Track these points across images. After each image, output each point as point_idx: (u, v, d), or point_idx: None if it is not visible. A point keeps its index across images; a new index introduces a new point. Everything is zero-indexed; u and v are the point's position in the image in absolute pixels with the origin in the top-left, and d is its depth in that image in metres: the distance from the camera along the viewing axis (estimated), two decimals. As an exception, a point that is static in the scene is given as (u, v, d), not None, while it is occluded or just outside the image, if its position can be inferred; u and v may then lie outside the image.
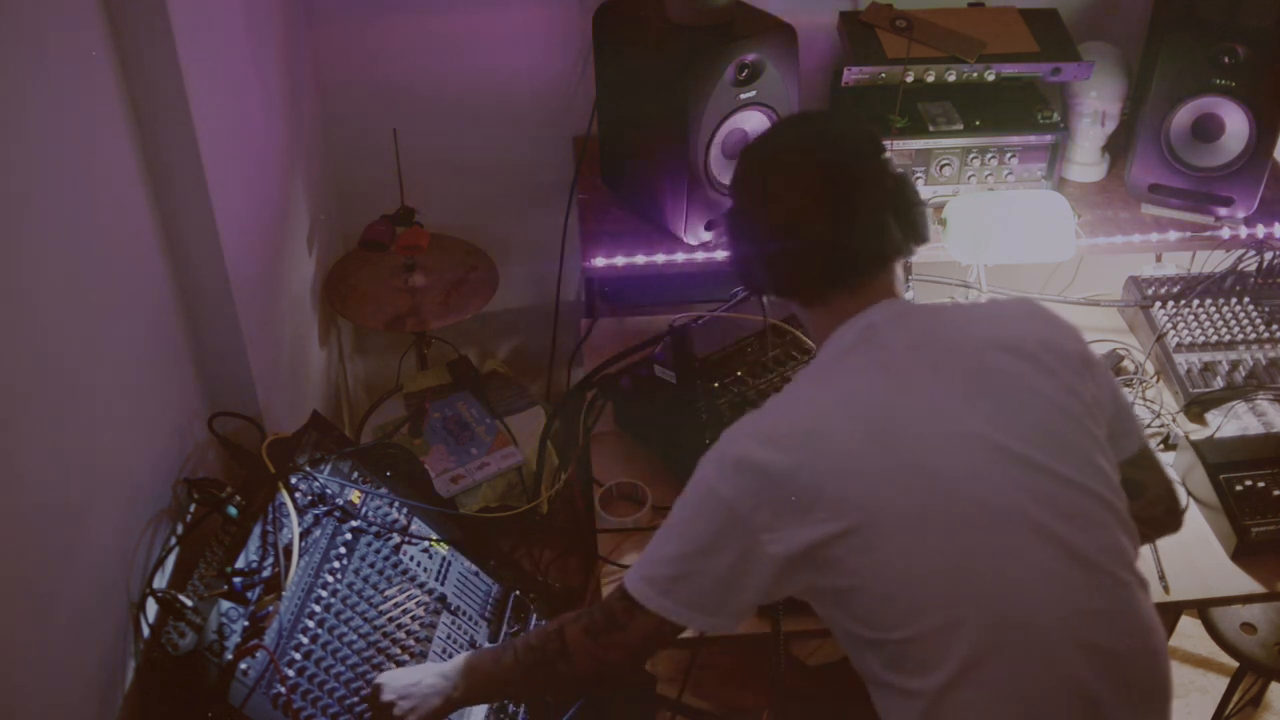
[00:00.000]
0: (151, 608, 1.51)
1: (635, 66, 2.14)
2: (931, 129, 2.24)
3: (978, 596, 1.26)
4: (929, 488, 1.28)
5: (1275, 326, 2.27)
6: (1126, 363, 2.28)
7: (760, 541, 1.29)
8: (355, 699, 1.55)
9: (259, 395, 1.85)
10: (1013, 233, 2.17)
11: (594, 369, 2.06)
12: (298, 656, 1.53)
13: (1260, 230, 2.27)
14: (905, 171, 1.44)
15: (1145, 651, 1.31)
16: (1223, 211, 2.26)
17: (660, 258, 2.20)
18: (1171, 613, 2.44)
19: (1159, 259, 2.54)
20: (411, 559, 1.75)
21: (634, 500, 2.02)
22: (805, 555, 1.28)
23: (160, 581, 1.57)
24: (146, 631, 1.50)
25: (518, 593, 1.86)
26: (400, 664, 1.62)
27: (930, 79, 2.18)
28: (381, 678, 1.52)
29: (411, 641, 1.66)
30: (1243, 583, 1.87)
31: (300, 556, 1.60)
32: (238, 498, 1.64)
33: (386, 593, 1.68)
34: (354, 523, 1.71)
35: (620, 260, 2.20)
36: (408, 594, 1.71)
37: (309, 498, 1.68)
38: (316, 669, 1.54)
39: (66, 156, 1.36)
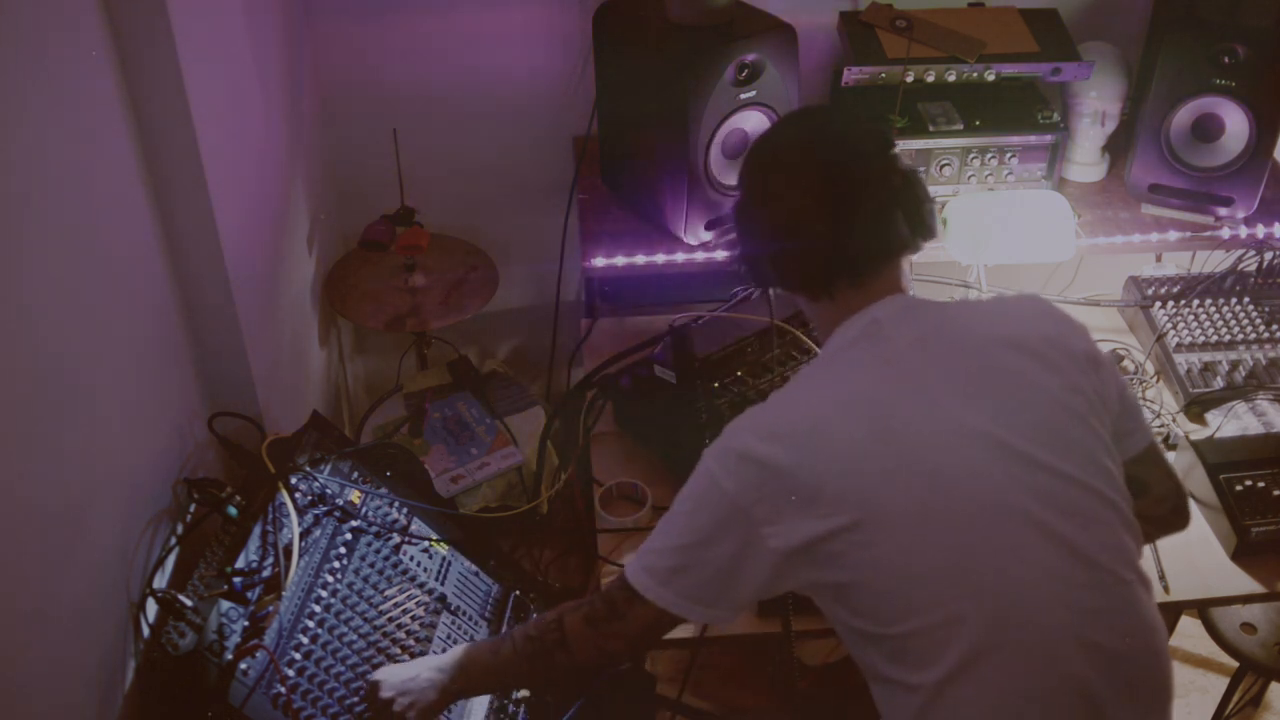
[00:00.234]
0: (151, 608, 1.51)
1: (635, 66, 2.14)
2: (931, 129, 2.24)
3: (978, 593, 1.26)
4: (930, 485, 1.28)
5: (1275, 326, 2.27)
6: (1126, 363, 2.28)
7: (761, 535, 1.29)
8: (355, 699, 1.55)
9: (259, 395, 1.85)
10: (1013, 233, 2.17)
11: (594, 369, 2.06)
12: (298, 656, 1.53)
13: (1260, 230, 2.27)
14: (913, 167, 1.43)
15: (1147, 651, 1.32)
16: (1223, 211, 2.26)
17: (660, 258, 2.20)
18: (1171, 613, 2.45)
19: (1159, 259, 2.54)
20: (411, 559, 1.75)
21: (634, 500, 2.02)
22: (805, 550, 1.28)
23: (160, 581, 1.57)
24: (146, 631, 1.50)
25: (518, 593, 1.86)
26: (400, 664, 1.62)
27: (930, 79, 2.18)
28: (378, 674, 1.52)
29: (411, 641, 1.66)
30: (1243, 583, 1.87)
31: (300, 556, 1.60)
32: (238, 498, 1.64)
33: (386, 593, 1.68)
34: (354, 523, 1.71)
35: (620, 260, 2.20)
36: (408, 594, 1.71)
37: (309, 498, 1.68)
38: (316, 669, 1.54)
39: (66, 157, 1.36)
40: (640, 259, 2.20)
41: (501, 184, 2.60)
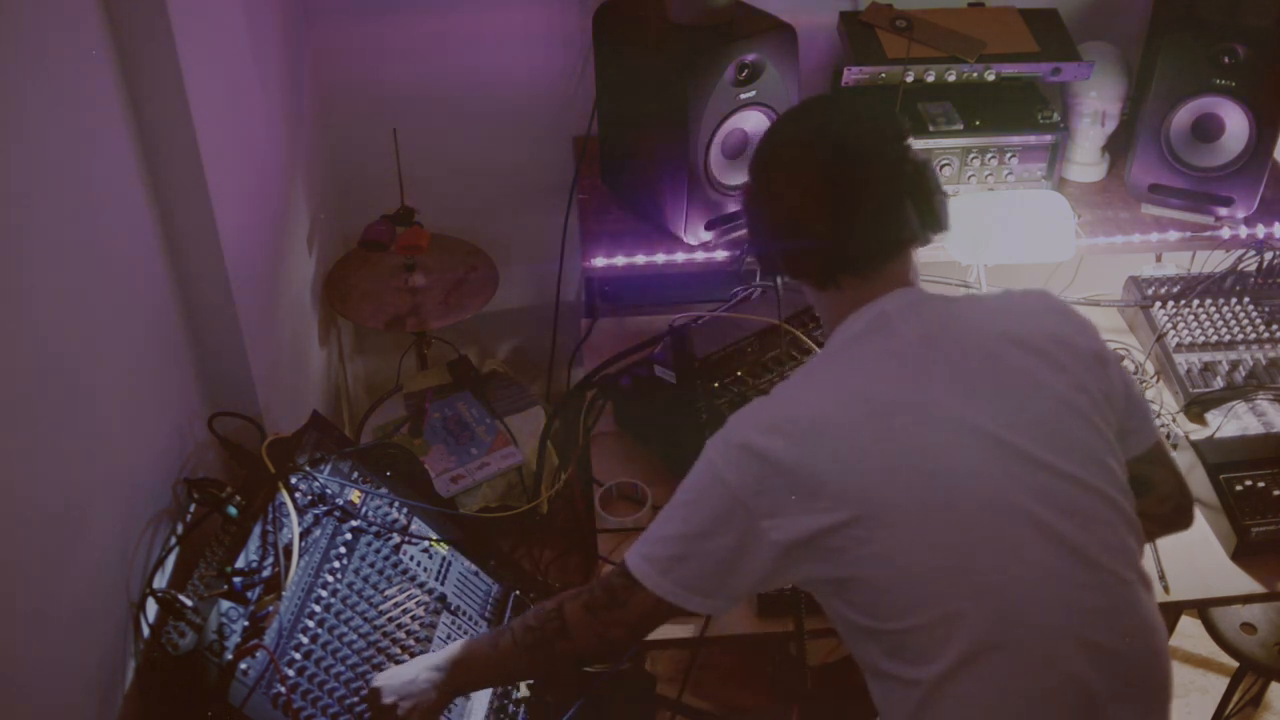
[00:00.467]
0: (151, 608, 1.51)
1: (635, 66, 2.14)
2: (931, 129, 2.24)
3: (977, 591, 1.26)
4: (931, 483, 1.28)
5: (1275, 326, 2.27)
6: (1126, 363, 2.28)
7: (761, 528, 1.30)
8: (355, 699, 1.55)
9: (259, 395, 1.85)
10: (1013, 233, 2.17)
11: (594, 369, 2.06)
12: (298, 656, 1.53)
13: (1260, 230, 2.27)
14: (926, 158, 1.43)
15: (1147, 651, 1.31)
16: (1223, 211, 2.26)
17: (660, 258, 2.20)
18: (1171, 613, 2.44)
19: (1159, 259, 2.54)
20: (411, 559, 1.75)
21: (634, 500, 2.02)
22: (805, 544, 1.29)
23: (160, 581, 1.57)
24: (146, 631, 1.50)
25: (518, 593, 1.86)
26: (400, 664, 1.62)
27: (930, 79, 2.18)
28: (377, 680, 1.52)
29: (411, 641, 1.66)
30: (1243, 583, 1.87)
31: (300, 556, 1.60)
32: (238, 498, 1.64)
33: (386, 593, 1.68)
34: (354, 523, 1.71)
35: (620, 260, 2.20)
36: (408, 594, 1.70)
37: (309, 498, 1.68)
38: (316, 669, 1.54)
39: (66, 157, 1.36)
40: (640, 259, 2.20)
41: (501, 184, 2.60)
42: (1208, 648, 2.57)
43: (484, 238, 2.52)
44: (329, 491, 1.71)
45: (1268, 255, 2.36)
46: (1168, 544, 1.85)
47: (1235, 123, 2.16)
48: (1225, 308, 2.31)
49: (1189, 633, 2.68)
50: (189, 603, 1.47)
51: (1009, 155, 2.26)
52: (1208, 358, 2.23)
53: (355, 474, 1.78)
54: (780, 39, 2.05)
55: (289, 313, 2.14)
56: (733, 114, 2.06)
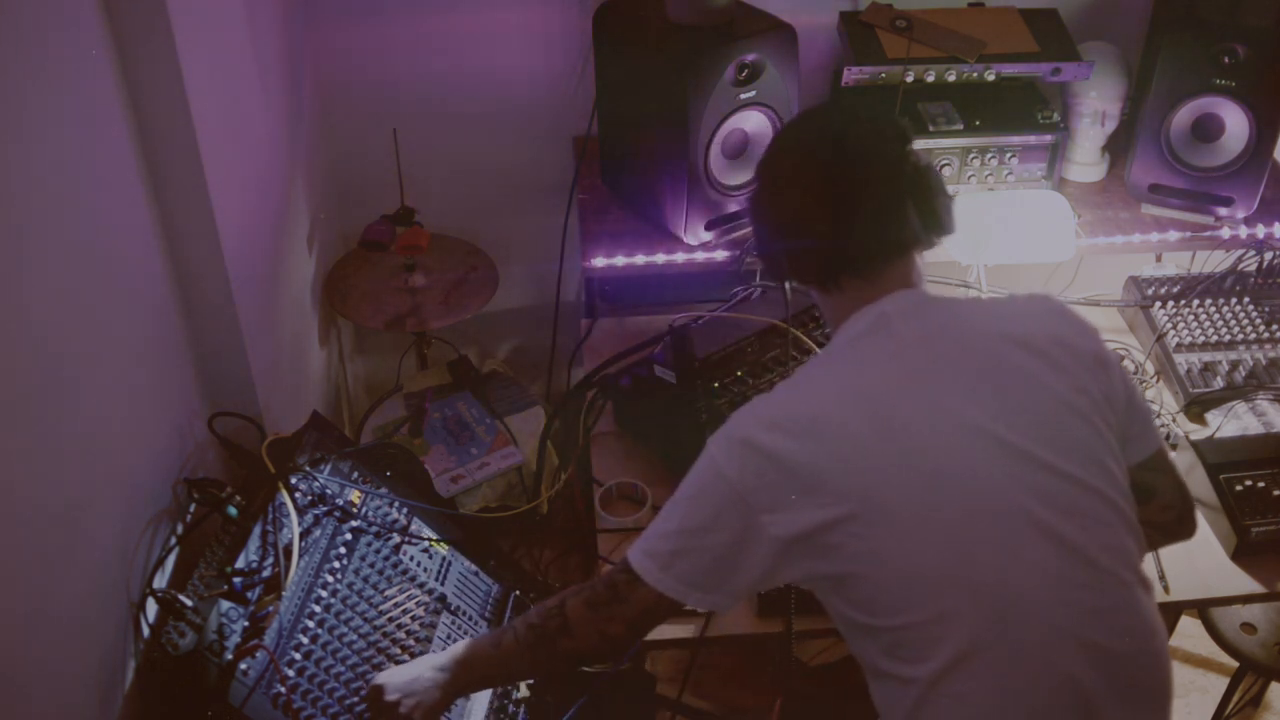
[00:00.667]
0: (151, 608, 1.51)
1: (635, 66, 2.14)
2: (931, 129, 2.24)
3: (975, 590, 1.26)
4: (930, 481, 1.28)
5: (1275, 326, 2.27)
6: (1126, 363, 2.28)
7: (761, 523, 1.30)
8: (355, 699, 1.55)
9: (259, 395, 1.85)
10: (1013, 233, 2.17)
11: (594, 369, 2.06)
12: (298, 656, 1.53)
13: (1260, 230, 2.27)
14: (929, 162, 1.44)
15: (1146, 653, 1.31)
16: (1223, 211, 2.26)
17: (660, 258, 2.20)
18: (1171, 613, 2.45)
19: (1159, 259, 2.54)
20: (411, 559, 1.75)
21: (634, 500, 2.02)
22: (804, 539, 1.29)
23: (160, 581, 1.57)
24: (146, 631, 1.50)
25: (518, 593, 1.86)
26: (400, 664, 1.62)
27: (930, 79, 2.18)
28: (380, 678, 1.52)
29: (411, 641, 1.66)
30: (1243, 583, 1.87)
31: (300, 556, 1.60)
32: (238, 498, 1.64)
33: (386, 593, 1.68)
34: (354, 523, 1.71)
35: (620, 260, 2.20)
36: (408, 594, 1.70)
37: (309, 498, 1.68)
38: (316, 669, 1.54)
39: (66, 156, 1.36)
40: (640, 259, 2.20)
41: (501, 184, 2.60)
42: (1208, 648, 2.57)
43: (484, 238, 2.52)
44: (329, 491, 1.71)
45: (1268, 255, 2.36)
46: (1178, 544, 1.84)
47: (1235, 123, 2.16)
48: (1225, 308, 2.31)
49: (1189, 633, 2.68)
50: (189, 603, 1.47)
51: (1009, 155, 2.26)
52: (1208, 358, 2.23)
53: (355, 474, 1.78)
54: (780, 39, 2.05)
55: (289, 313, 2.14)
56: (733, 114, 2.06)
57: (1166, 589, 1.85)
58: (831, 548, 1.29)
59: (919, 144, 2.21)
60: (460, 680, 1.50)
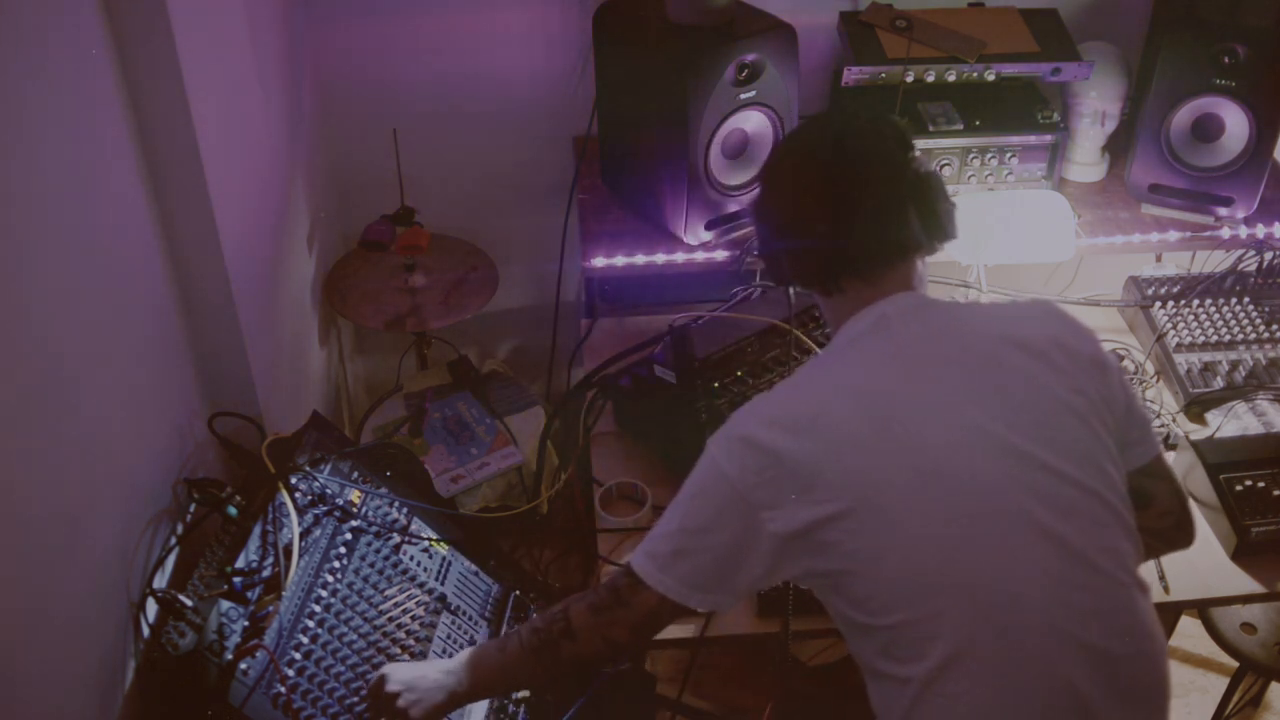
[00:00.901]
0: (151, 608, 1.51)
1: (635, 66, 2.14)
2: (931, 129, 2.24)
3: (970, 588, 1.26)
4: (927, 479, 1.29)
5: (1275, 326, 2.27)
6: (1126, 363, 2.28)
7: (761, 520, 1.30)
8: (355, 699, 1.55)
9: (259, 395, 1.85)
10: (1013, 233, 2.17)
11: (594, 369, 2.06)
12: (298, 656, 1.53)
13: (1260, 230, 2.27)
14: (932, 168, 1.44)
15: (1142, 655, 1.31)
16: (1223, 211, 2.26)
17: (660, 258, 2.20)
18: (1171, 613, 2.45)
19: (1159, 259, 2.54)
20: (411, 559, 1.75)
21: (634, 500, 2.02)
22: (803, 535, 1.29)
23: (160, 581, 1.57)
24: (146, 631, 1.50)
25: (518, 593, 1.86)
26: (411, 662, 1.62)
27: (930, 79, 2.18)
28: (387, 668, 1.52)
29: (411, 641, 1.66)
30: (1243, 583, 1.87)
31: (300, 556, 1.60)
32: (238, 498, 1.64)
33: (386, 593, 1.68)
34: (354, 523, 1.71)
35: (620, 260, 2.20)
36: (408, 594, 1.71)
37: (309, 498, 1.68)
38: (316, 669, 1.54)
39: (66, 156, 1.36)
40: (640, 259, 2.20)
41: (501, 184, 2.60)
42: (1208, 648, 2.57)
43: (484, 238, 2.52)
44: (329, 491, 1.71)
45: (1268, 255, 2.36)
46: (1177, 552, 1.84)
47: (1235, 123, 2.16)
48: (1225, 308, 2.31)
49: (1189, 633, 2.68)
50: (189, 603, 1.47)
51: (1009, 155, 2.26)
52: (1208, 358, 2.23)
53: (355, 474, 1.78)
54: (780, 39, 2.05)
55: (289, 313, 2.14)
56: (733, 114, 2.06)
57: (1166, 589, 1.85)
58: (828, 544, 1.29)
59: (919, 144, 2.22)
60: (466, 685, 1.49)
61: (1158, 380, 2.26)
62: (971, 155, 2.26)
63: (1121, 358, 2.28)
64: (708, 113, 2.02)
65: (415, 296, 2.34)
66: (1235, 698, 2.34)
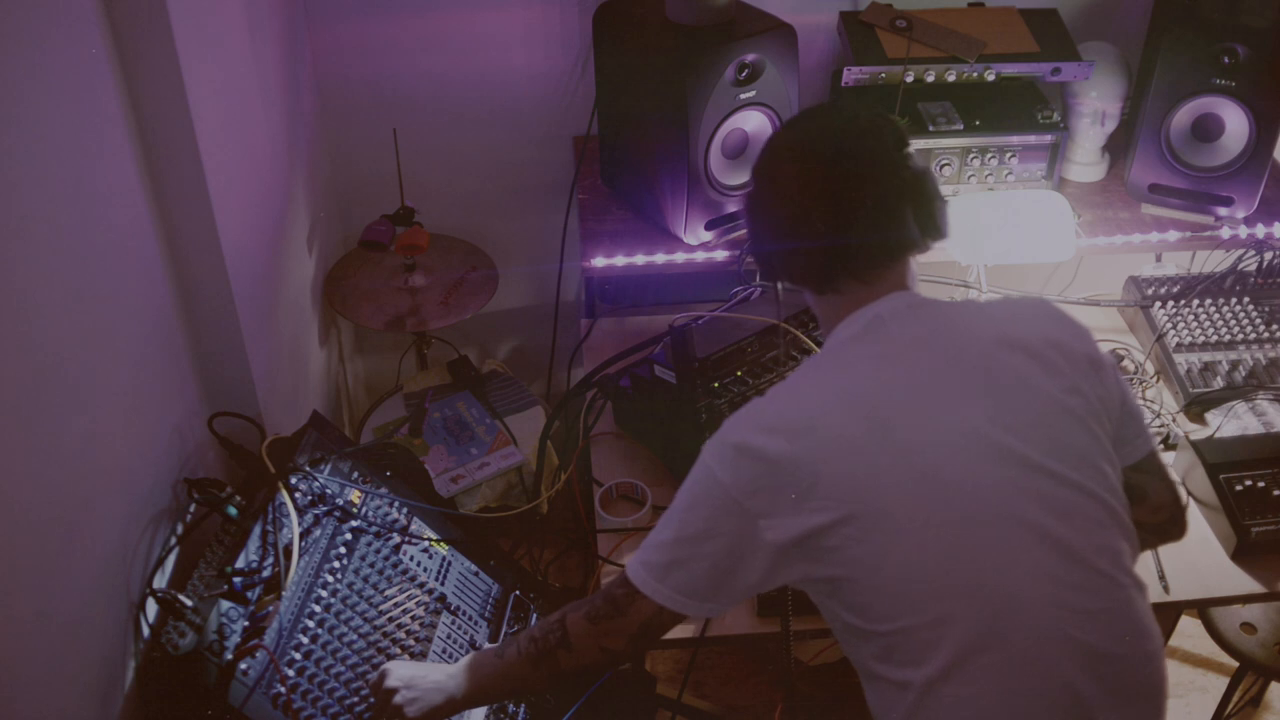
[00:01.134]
0: (151, 608, 1.51)
1: (635, 66, 2.14)
2: (931, 129, 2.24)
3: (969, 593, 1.26)
4: (925, 484, 1.28)
5: (1275, 326, 2.27)
6: (1126, 363, 2.28)
7: (757, 528, 1.30)
8: (355, 699, 1.55)
9: (259, 395, 1.85)
10: (1013, 233, 2.17)
11: (594, 369, 2.06)
12: (298, 656, 1.53)
13: (1260, 230, 2.27)
14: (926, 166, 1.43)
15: (1140, 655, 1.31)
16: (1223, 211, 2.26)
17: (660, 258, 2.20)
18: (1171, 613, 2.45)
19: (1159, 259, 2.54)
20: (411, 559, 1.75)
21: (634, 500, 2.02)
22: (800, 543, 1.29)
23: (160, 581, 1.58)
24: (146, 631, 1.50)
25: (518, 593, 1.86)
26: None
27: (930, 79, 2.18)
28: (389, 664, 1.52)
29: (411, 641, 1.66)
30: (1243, 583, 1.87)
31: (300, 556, 1.60)
32: (238, 498, 1.64)
33: (386, 593, 1.68)
34: (354, 523, 1.71)
35: (620, 260, 2.20)
36: (408, 594, 1.71)
37: (309, 498, 1.68)
38: (316, 669, 1.54)
39: (66, 156, 1.36)
40: (640, 259, 2.20)
41: (501, 184, 2.60)
42: (1208, 648, 2.57)
43: (484, 238, 2.52)
44: (329, 491, 1.71)
45: (1268, 255, 2.36)
46: (1168, 544, 1.84)
47: (1235, 123, 2.16)
48: (1225, 308, 2.31)
49: (1189, 633, 2.68)
50: (189, 603, 1.47)
51: (1009, 155, 2.26)
52: (1208, 358, 2.23)
53: (355, 474, 1.78)
54: (780, 39, 2.05)
55: (289, 313, 2.14)
56: (733, 114, 2.06)
57: (1166, 589, 1.85)
58: (828, 551, 1.28)
59: (919, 144, 2.23)
60: (465, 689, 1.49)
61: (1158, 380, 2.26)
62: (971, 155, 2.26)
63: (1121, 358, 2.28)
64: (708, 113, 2.02)
65: (415, 296, 2.34)
66: (1235, 697, 2.34)
